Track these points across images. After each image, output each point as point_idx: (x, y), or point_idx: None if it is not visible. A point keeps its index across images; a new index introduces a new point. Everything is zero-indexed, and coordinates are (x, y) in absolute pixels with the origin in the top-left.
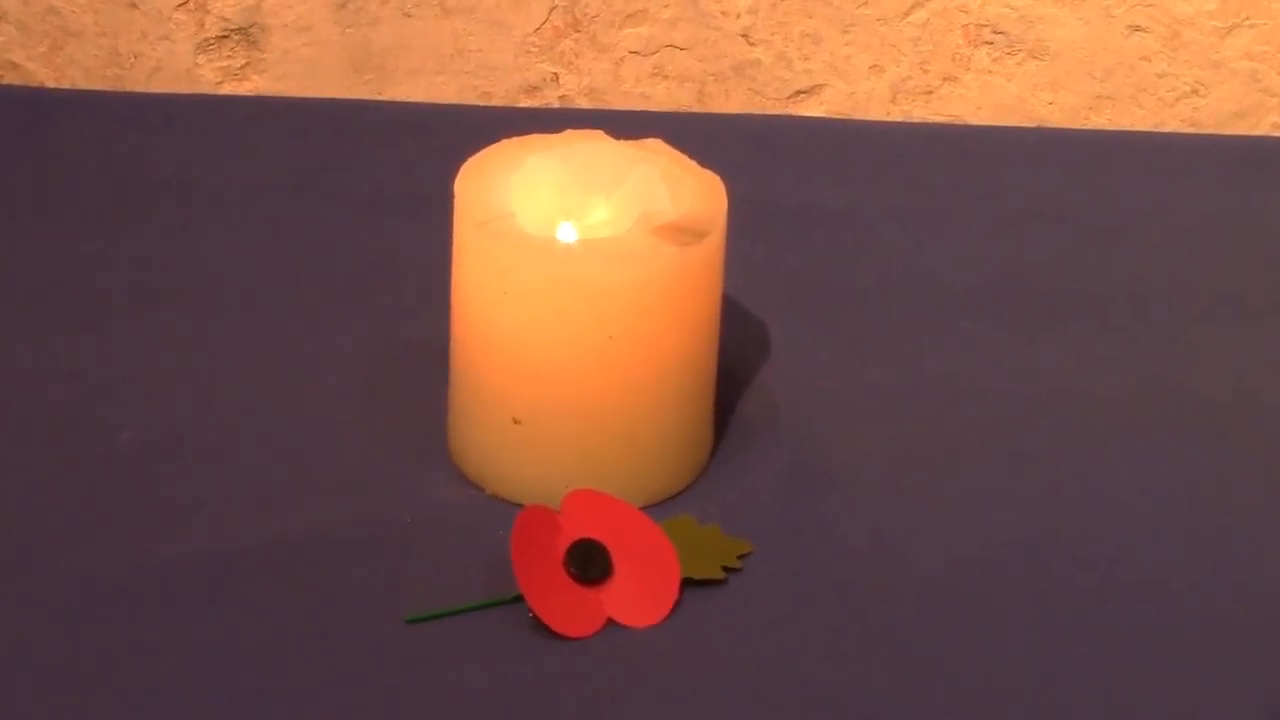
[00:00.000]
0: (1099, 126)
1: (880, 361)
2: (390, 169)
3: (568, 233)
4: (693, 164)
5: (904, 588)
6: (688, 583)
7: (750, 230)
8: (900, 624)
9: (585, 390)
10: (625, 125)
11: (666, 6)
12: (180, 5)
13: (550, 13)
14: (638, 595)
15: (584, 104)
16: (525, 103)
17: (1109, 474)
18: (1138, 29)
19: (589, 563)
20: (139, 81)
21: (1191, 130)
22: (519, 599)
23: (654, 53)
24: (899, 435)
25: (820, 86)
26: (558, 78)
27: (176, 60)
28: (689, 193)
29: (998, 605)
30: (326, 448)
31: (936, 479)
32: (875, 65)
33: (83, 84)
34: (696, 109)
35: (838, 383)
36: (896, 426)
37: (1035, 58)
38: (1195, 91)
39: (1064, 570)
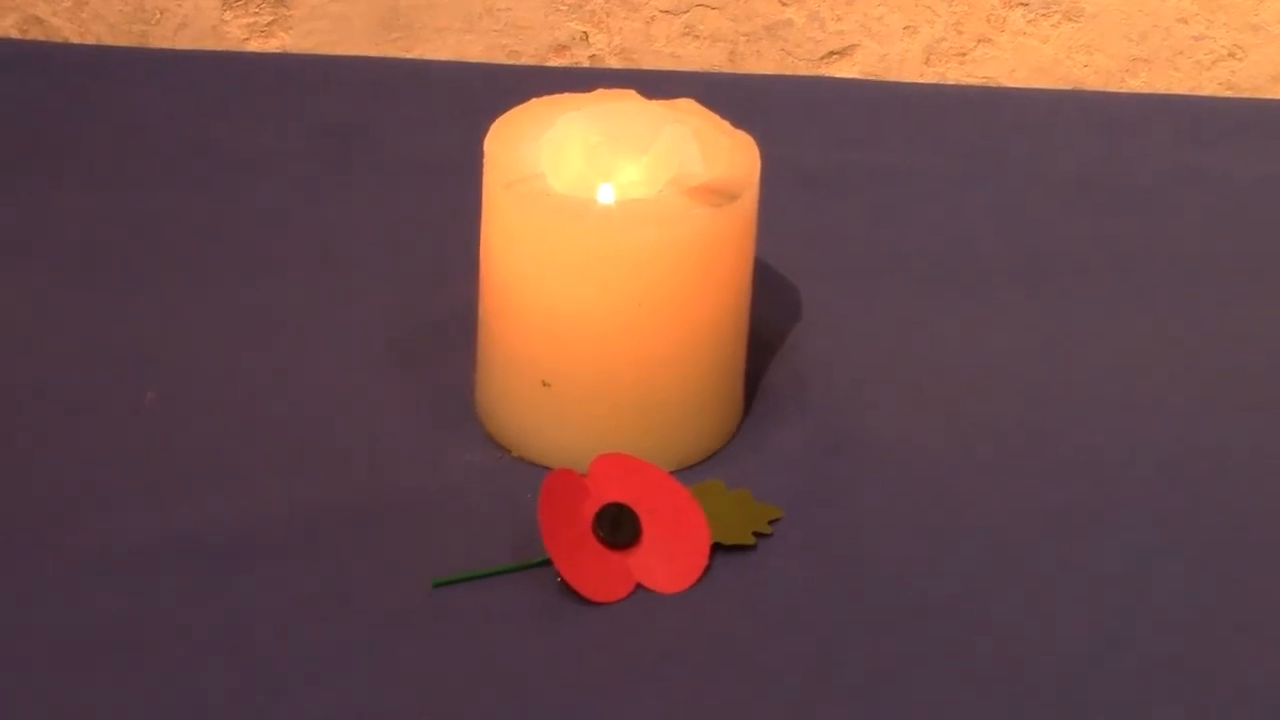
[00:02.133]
0: (1135, 89)
1: (914, 328)
2: (418, 128)
3: (608, 194)
4: (725, 124)
5: (937, 557)
6: (717, 548)
7: (782, 193)
8: (933, 594)
9: (615, 353)
10: (655, 85)
11: None
12: None
13: None
14: (666, 560)
15: (614, 63)
16: (554, 62)
17: (1147, 444)
18: None
19: (617, 527)
20: (164, 38)
21: (1229, 94)
22: (546, 563)
23: (685, 12)
24: (932, 403)
25: (853, 48)
26: (587, 36)
27: (203, 16)
28: (721, 154)
29: (1034, 577)
30: (352, 412)
31: (970, 447)
32: (909, 26)
33: (107, 39)
34: (727, 69)
35: (870, 349)
36: (930, 394)
37: (1071, 20)
38: (1233, 55)
39: (1101, 542)
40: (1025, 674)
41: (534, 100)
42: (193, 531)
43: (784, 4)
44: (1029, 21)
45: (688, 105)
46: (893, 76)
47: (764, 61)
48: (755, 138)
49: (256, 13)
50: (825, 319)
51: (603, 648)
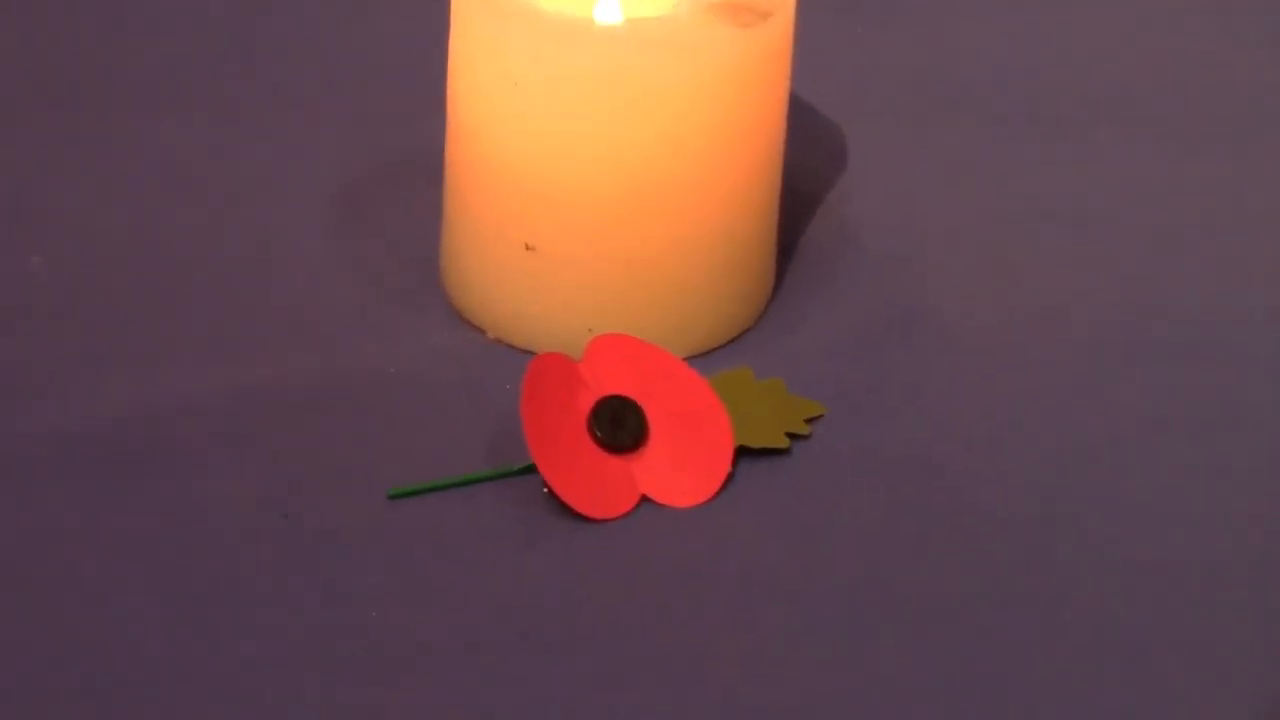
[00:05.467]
0: None
1: (983, 181)
2: None
3: (610, 10)
4: None
5: (1006, 467)
6: (742, 452)
7: (824, 14)
8: (999, 509)
9: (616, 209)
10: None
11: None
12: None
13: None
14: (679, 467)
15: None
16: None
17: (1267, 332)
18: None
19: (619, 425)
20: None
21: None
22: (530, 470)
23: None
24: (1005, 273)
25: None
26: None
27: None
28: None
29: (1132, 488)
30: (290, 282)
31: (1054, 328)
32: None
33: None
34: None
35: (930, 207)
36: (1001, 262)
37: None
38: None
39: (1218, 443)
40: (1123, 607)
41: None
42: (94, 426)
43: None
44: None
45: None
46: None
47: None
48: None
49: None
50: (877, 171)
51: (599, 575)
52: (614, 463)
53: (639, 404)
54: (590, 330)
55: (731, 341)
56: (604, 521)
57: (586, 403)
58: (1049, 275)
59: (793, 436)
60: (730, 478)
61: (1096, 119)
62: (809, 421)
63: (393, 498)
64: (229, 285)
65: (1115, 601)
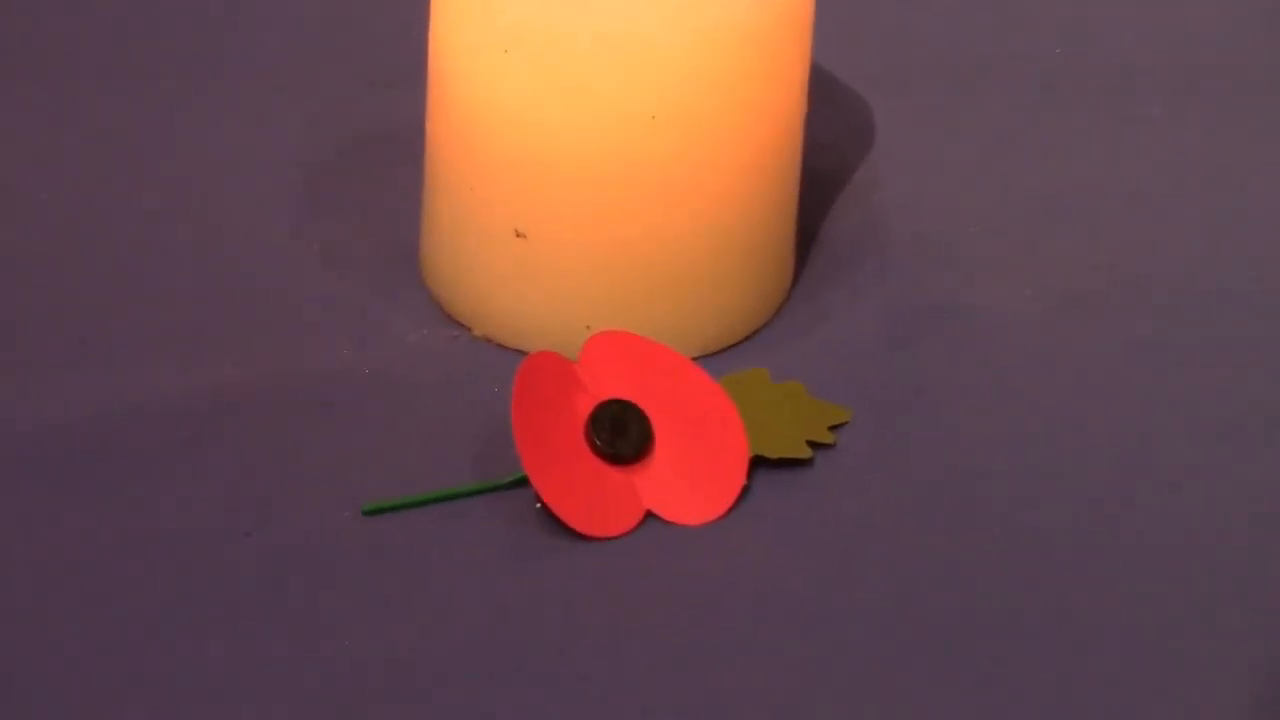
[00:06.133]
0: None
1: (1025, 159)
2: None
3: None
4: None
5: (1052, 477)
6: (759, 463)
7: None
8: (1045, 526)
9: (617, 190)
10: None
11: None
12: None
13: None
14: (688, 480)
15: None
16: None
17: None
18: None
19: (620, 432)
20: None
21: None
22: (522, 483)
23: None
24: (1049, 261)
25: None
26: None
27: None
28: None
29: (1174, 501)
30: (256, 272)
31: (1106, 322)
32: None
33: None
34: None
35: (966, 189)
36: (1046, 250)
37: None
38: None
39: (1264, 452)
40: (1182, 634)
41: None
42: (32, 432)
43: None
44: None
45: None
46: None
47: None
48: None
49: None
50: (908, 147)
51: (598, 601)
52: (615, 475)
53: (643, 409)
54: (588, 327)
55: (746, 339)
56: (604, 540)
57: (585, 407)
58: (1098, 263)
59: (815, 445)
60: (745, 492)
61: (1147, 91)
62: (833, 428)
63: (367, 514)
64: (185, 276)
65: (1172, 627)
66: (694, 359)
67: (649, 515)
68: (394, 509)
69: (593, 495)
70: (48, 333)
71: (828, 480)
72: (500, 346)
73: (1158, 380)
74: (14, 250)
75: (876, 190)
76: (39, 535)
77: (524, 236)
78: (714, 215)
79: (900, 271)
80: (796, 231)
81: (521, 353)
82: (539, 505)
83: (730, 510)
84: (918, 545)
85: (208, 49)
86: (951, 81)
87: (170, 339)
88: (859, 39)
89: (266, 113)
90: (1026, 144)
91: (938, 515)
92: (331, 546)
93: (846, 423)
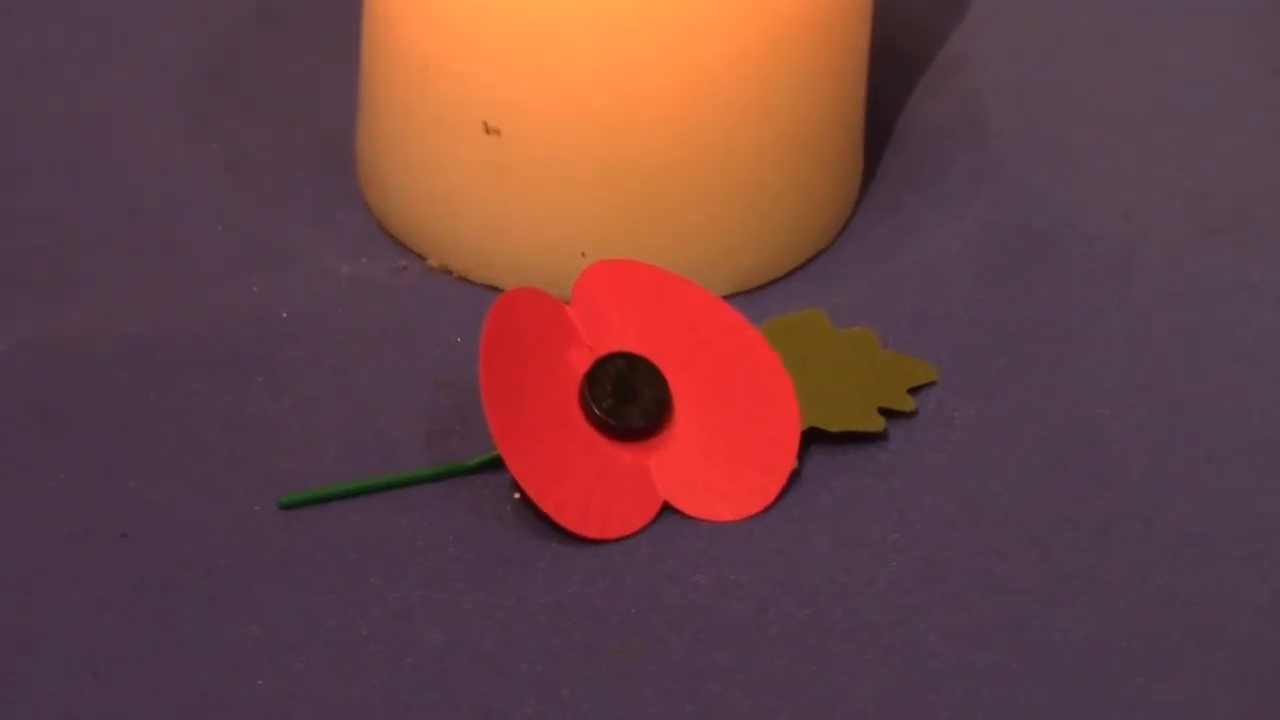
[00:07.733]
0: None
1: (1170, 33)
2: None
3: None
4: None
5: (1206, 467)
6: (814, 439)
7: None
8: (1190, 533)
9: (618, 66)
10: None
11: None
12: None
13: None
14: (718, 462)
15: None
16: None
17: None
18: None
19: (627, 398)
20: None
21: None
22: (493, 465)
23: None
24: (1181, 169)
25: None
26: None
27: None
28: None
29: None
30: (135, 185)
31: (1269, 258)
32: None
33: None
34: None
35: (1092, 68)
36: (1179, 154)
37: None
38: None
39: None
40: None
41: None
42: None
43: None
44: None
45: None
46: None
47: None
48: None
49: None
50: (1005, 19)
51: (599, 622)
52: (621, 455)
53: (657, 366)
54: (584, 254)
55: (797, 270)
56: (606, 543)
57: (580, 364)
58: (1241, 173)
59: (890, 414)
60: (795, 477)
61: None
62: (914, 391)
63: (284, 508)
64: (41, 193)
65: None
66: (725, 297)
67: (666, 508)
68: (319, 500)
69: (591, 482)
70: None
71: (906, 462)
72: (464, 280)
73: None
74: None
75: (965, 75)
76: None
77: (496, 132)
78: (753, 103)
79: (1001, 179)
80: (864, 129)
81: (494, 289)
82: (517, 496)
83: (775, 502)
84: (1025, 548)
85: None
86: None
87: (18, 279)
88: None
89: None
90: (1169, 11)
91: (1049, 508)
92: (234, 552)
93: (933, 383)
